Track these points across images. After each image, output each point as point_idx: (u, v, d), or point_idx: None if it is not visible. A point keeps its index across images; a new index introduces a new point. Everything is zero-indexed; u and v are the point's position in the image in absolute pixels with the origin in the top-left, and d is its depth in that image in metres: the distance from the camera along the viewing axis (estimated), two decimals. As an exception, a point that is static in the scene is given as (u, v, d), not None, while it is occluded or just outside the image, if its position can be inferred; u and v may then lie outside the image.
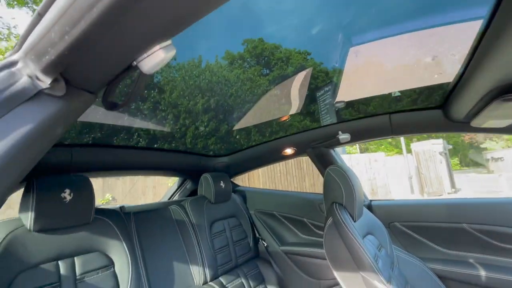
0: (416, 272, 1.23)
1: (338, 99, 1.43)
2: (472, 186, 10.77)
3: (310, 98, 1.45)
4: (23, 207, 0.89)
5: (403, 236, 1.48)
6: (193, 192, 2.01)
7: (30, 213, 0.86)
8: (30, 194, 0.87)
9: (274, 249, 1.77)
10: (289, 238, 1.83)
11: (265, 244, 1.78)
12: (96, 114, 1.16)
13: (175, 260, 1.32)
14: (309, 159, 1.74)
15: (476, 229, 1.29)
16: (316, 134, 1.56)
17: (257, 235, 1.85)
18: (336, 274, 1.07)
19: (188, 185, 2.09)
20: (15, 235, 0.85)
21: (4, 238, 0.83)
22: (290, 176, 9.31)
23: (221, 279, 1.45)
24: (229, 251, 1.58)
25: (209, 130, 1.83)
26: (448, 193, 9.61)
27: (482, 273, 1.21)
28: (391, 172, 9.09)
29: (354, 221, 1.13)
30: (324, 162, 1.63)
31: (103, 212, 1.11)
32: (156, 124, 1.57)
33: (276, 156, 1.80)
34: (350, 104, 1.45)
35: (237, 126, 1.76)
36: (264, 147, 1.80)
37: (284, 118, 1.67)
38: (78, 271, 0.94)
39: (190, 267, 1.36)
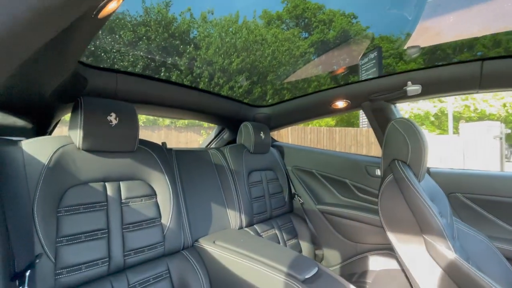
0: (480, 249, 1.08)
1: (410, 44, 1.19)
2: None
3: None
4: (72, 125, 0.88)
5: (465, 209, 1.31)
6: (230, 143, 1.96)
7: (78, 130, 0.85)
8: (78, 111, 0.85)
9: (310, 207, 1.70)
10: (326, 198, 1.73)
11: (301, 201, 1.71)
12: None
13: (213, 202, 1.31)
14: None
15: None
16: (377, 85, 1.35)
17: (293, 191, 1.79)
18: (391, 235, 0.96)
19: (225, 135, 2.04)
20: (65, 150, 0.85)
21: (55, 152, 0.83)
22: (321, 146, 9.04)
23: (256, 227, 1.43)
24: (264, 202, 1.54)
25: (242, 92, 1.70)
26: None
27: None
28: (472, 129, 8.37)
29: (419, 182, 0.98)
30: (381, 119, 1.43)
31: (146, 143, 1.09)
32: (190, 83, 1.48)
33: (324, 109, 1.63)
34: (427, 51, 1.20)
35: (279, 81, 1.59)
36: (312, 99, 1.63)
37: (340, 71, 1.47)
38: (123, 195, 0.94)
39: (227, 210, 1.35)
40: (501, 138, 9.12)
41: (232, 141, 1.98)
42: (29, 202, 0.73)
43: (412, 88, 1.21)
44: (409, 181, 0.91)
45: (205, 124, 11.45)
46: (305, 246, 1.58)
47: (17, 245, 0.64)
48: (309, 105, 1.66)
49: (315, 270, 0.87)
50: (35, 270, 0.64)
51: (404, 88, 1.23)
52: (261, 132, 1.63)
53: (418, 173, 1.00)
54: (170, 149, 1.28)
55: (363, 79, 1.46)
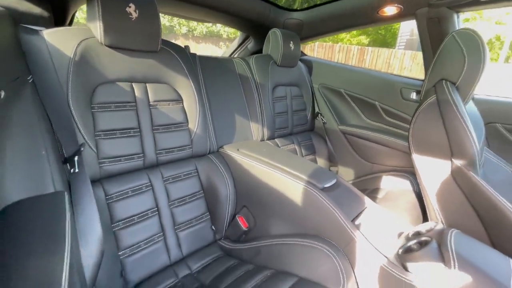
0: (503, 179, 1.07)
1: None
2: None
3: None
4: (90, 17, 0.80)
5: (501, 140, 1.24)
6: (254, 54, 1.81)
7: (98, 23, 0.78)
8: (95, 1, 0.76)
9: (332, 127, 1.69)
10: (350, 119, 1.69)
11: (324, 121, 1.69)
12: None
13: (237, 113, 1.31)
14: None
15: None
16: None
17: (316, 109, 1.74)
18: (417, 157, 0.95)
19: (250, 44, 1.87)
20: (88, 44, 0.80)
21: (79, 44, 0.78)
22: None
23: (277, 140, 1.46)
24: (287, 118, 1.53)
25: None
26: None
27: None
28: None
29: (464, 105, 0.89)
30: (436, 32, 1.21)
31: (169, 44, 1.01)
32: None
33: (368, 17, 1.39)
34: None
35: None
36: (355, 2, 1.37)
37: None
38: (151, 98, 0.94)
39: (250, 123, 1.36)
40: (559, 71, 7.98)
41: (257, 52, 1.83)
42: (64, 96, 0.74)
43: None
44: (455, 104, 0.83)
45: (224, 35, 10.56)
46: (321, 163, 1.65)
47: (61, 134, 0.69)
48: (351, 11, 1.41)
49: (334, 181, 0.91)
50: (81, 157, 0.70)
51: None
52: (291, 42, 1.46)
53: (466, 96, 0.90)
54: (194, 54, 1.20)
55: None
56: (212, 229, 1.05)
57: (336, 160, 1.71)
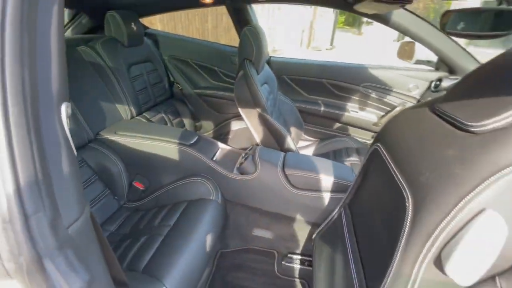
0: (288, 108, 1.90)
1: None
2: (345, 45, 13.05)
3: None
4: None
5: (286, 85, 2.06)
6: (91, 31, 1.79)
7: None
8: None
9: (188, 92, 2.09)
10: (201, 83, 2.14)
11: (180, 87, 2.05)
12: None
13: (101, 99, 1.45)
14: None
15: (329, 83, 1.96)
16: None
17: (171, 79, 2.05)
18: (241, 110, 1.55)
19: (84, 19, 1.80)
20: None
21: None
22: (192, 14, 8.35)
23: (145, 114, 1.73)
24: (148, 93, 1.79)
25: None
26: (326, 49, 11.45)
27: (322, 108, 2.00)
28: (290, 24, 9.57)
29: (258, 74, 1.51)
30: (240, 17, 1.74)
31: None
32: None
33: (192, 1, 1.73)
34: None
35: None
36: None
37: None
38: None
39: (116, 105, 1.54)
40: (337, 11, 11.10)
41: (94, 28, 1.81)
42: None
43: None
44: (252, 77, 1.42)
45: None
46: (187, 122, 2.08)
47: None
48: None
49: (196, 137, 1.38)
50: None
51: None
52: (132, 23, 1.62)
53: (258, 68, 1.51)
54: None
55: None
56: (116, 199, 1.34)
57: (198, 117, 2.19)
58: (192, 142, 1.34)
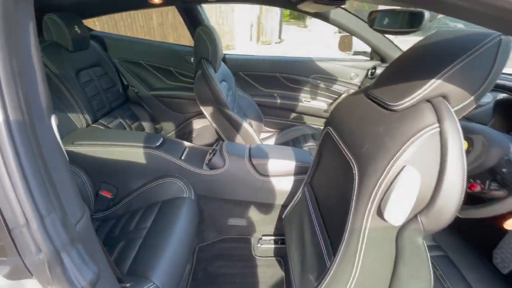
0: (247, 103, 2.00)
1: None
2: (292, 38, 13.61)
3: None
4: None
5: (243, 81, 2.15)
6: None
7: None
8: None
9: (144, 94, 2.04)
10: (157, 84, 2.10)
11: (135, 90, 1.99)
12: None
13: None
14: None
15: (282, 77, 2.11)
16: None
17: (125, 82, 1.98)
18: (203, 109, 1.59)
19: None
20: None
21: None
22: (135, 11, 7.87)
23: (102, 121, 1.66)
24: (101, 98, 1.71)
25: None
26: (276, 43, 11.81)
27: (279, 100, 2.14)
28: (238, 19, 9.62)
29: (216, 72, 1.57)
30: (192, 17, 1.76)
31: None
32: None
33: (139, 2, 1.69)
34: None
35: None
36: None
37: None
38: None
39: (68, 113, 1.45)
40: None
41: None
42: None
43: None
44: (210, 75, 1.48)
45: None
46: (147, 125, 2.04)
47: None
48: None
49: (161, 139, 1.40)
50: None
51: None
52: (75, 26, 1.53)
53: (215, 66, 1.57)
54: None
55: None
56: None
57: (157, 119, 2.16)
58: (158, 144, 1.35)
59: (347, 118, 0.84)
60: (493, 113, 1.01)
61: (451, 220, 0.58)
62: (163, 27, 7.34)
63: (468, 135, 0.80)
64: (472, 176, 0.80)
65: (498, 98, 1.01)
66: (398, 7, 1.12)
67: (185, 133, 2.14)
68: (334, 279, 0.73)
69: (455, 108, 0.58)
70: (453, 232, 1.11)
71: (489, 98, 1.14)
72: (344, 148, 0.78)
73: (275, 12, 11.16)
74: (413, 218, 0.61)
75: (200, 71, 1.50)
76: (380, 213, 0.63)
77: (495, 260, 1.11)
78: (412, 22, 1.08)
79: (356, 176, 0.68)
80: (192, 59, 1.99)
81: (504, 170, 0.73)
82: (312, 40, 12.27)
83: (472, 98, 0.57)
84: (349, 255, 0.69)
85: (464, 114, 0.60)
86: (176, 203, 1.23)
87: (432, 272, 0.65)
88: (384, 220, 0.62)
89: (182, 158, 1.37)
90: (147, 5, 1.69)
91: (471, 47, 0.55)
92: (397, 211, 0.59)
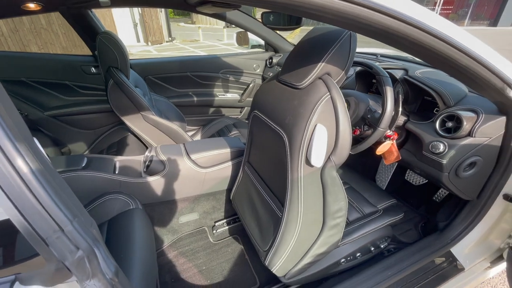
0: (165, 105, 2.00)
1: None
2: (181, 35, 13.30)
3: None
4: None
5: (155, 84, 2.12)
6: None
7: None
8: None
9: (38, 116, 1.74)
10: (52, 102, 1.82)
11: (24, 113, 1.68)
12: None
13: None
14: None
15: (193, 75, 2.20)
16: None
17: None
18: (123, 118, 1.53)
19: None
20: None
21: None
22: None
23: None
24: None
25: None
26: (166, 41, 11.31)
27: (195, 98, 2.24)
28: (118, 20, 8.69)
29: (128, 79, 1.54)
30: (82, 24, 1.61)
31: None
32: None
33: (14, 10, 1.42)
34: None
35: None
36: None
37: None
38: None
39: None
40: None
41: None
42: None
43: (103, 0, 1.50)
44: (124, 82, 1.44)
45: None
46: (50, 151, 1.77)
47: None
48: None
49: (85, 159, 1.29)
50: None
51: (96, -2, 1.48)
52: None
53: (126, 73, 1.53)
54: None
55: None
56: None
57: (62, 142, 1.89)
58: (83, 164, 1.26)
59: (268, 100, 1.07)
60: (356, 81, 1.46)
61: (347, 155, 0.88)
62: (19, 33, 5.88)
63: (345, 98, 1.16)
64: (354, 125, 1.18)
65: (356, 70, 1.45)
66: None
67: (102, 150, 1.96)
68: (288, 222, 0.97)
69: (335, 80, 0.88)
70: (352, 170, 1.54)
71: (352, 71, 1.60)
72: (272, 123, 1.00)
73: (159, 9, 10.62)
74: (328, 159, 0.89)
75: (111, 80, 1.44)
76: (308, 162, 0.88)
77: (377, 181, 1.62)
78: (292, 21, 1.40)
79: (287, 141, 0.91)
80: (92, 69, 1.82)
81: (369, 116, 1.12)
82: (204, 35, 12.38)
83: (343, 72, 0.87)
84: (294, 200, 0.93)
85: (341, 84, 0.91)
86: (125, 216, 1.20)
87: (346, 194, 0.97)
88: (311, 166, 0.87)
89: (116, 172, 1.32)
90: (21, 12, 1.45)
91: (336, 39, 0.85)
92: (318, 156, 0.85)
